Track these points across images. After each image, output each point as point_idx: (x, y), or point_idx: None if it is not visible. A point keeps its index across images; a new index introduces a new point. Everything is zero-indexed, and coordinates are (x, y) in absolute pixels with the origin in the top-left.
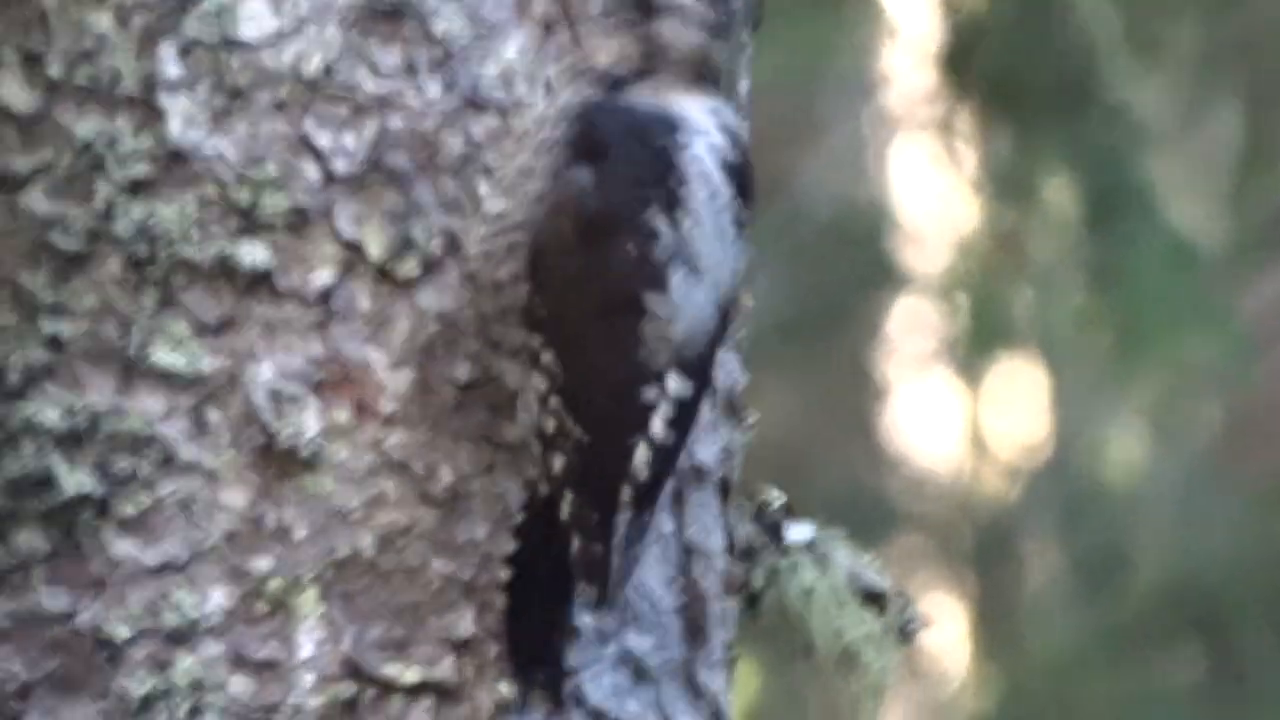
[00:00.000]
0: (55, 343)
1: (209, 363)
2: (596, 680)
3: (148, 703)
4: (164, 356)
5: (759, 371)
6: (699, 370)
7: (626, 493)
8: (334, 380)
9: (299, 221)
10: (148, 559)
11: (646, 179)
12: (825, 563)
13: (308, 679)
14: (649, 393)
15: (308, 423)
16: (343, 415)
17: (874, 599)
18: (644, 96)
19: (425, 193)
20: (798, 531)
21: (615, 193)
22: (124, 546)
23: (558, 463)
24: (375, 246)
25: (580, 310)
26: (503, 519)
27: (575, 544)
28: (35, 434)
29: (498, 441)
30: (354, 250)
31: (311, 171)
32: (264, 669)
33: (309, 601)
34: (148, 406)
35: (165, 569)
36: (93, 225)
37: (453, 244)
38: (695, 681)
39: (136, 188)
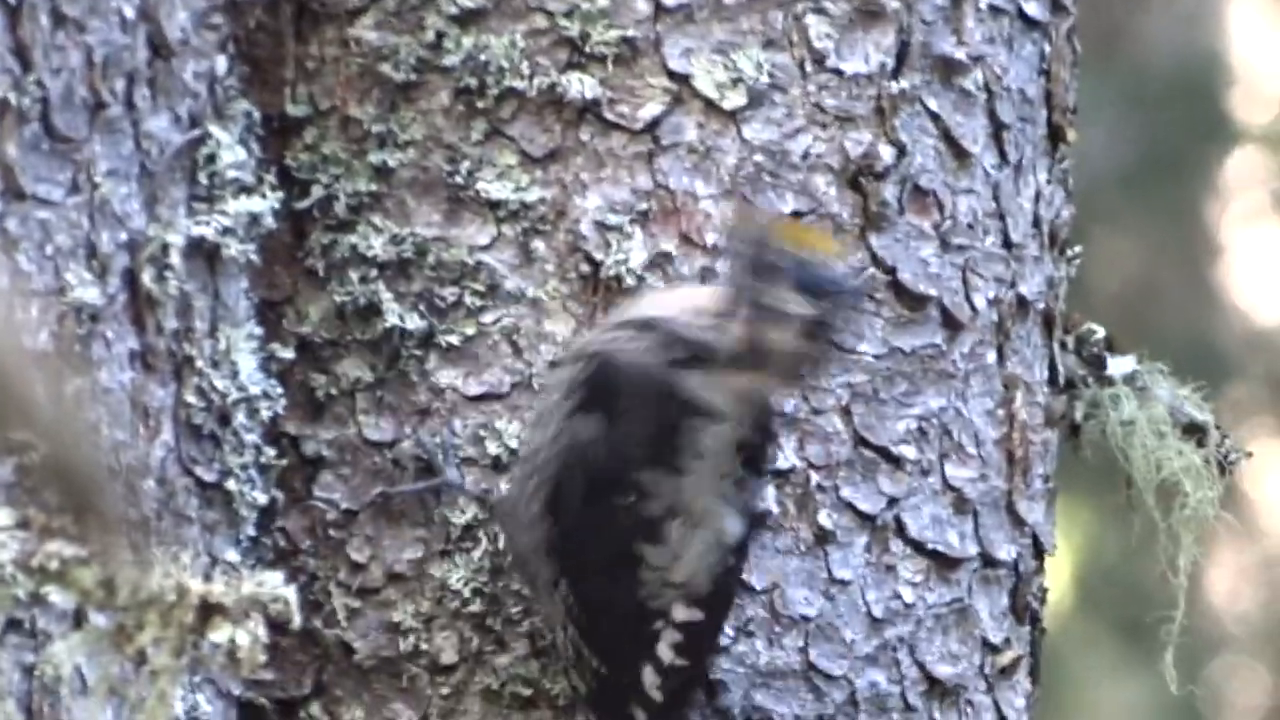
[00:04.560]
0: (383, 172)
1: (535, 193)
2: (915, 511)
3: (468, 531)
4: (490, 186)
5: (1095, 221)
6: (713, 594)
7: (640, 715)
8: (660, 211)
9: (628, 53)
10: (470, 388)
11: (649, 439)
12: (1146, 395)
13: None
14: (654, 624)
15: (633, 253)
16: (669, 245)
17: (1194, 431)
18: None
19: (753, 24)
20: (1119, 365)
21: (618, 448)
22: (447, 375)
23: (580, 685)
24: (703, 78)
25: (586, 552)
26: None
27: None
28: (361, 264)
29: None
30: (682, 82)
31: (641, 3)
32: None
33: None
34: (473, 236)
35: (487, 398)
36: (422, 56)
37: (776, 78)
38: (1015, 512)
39: (466, 19)
